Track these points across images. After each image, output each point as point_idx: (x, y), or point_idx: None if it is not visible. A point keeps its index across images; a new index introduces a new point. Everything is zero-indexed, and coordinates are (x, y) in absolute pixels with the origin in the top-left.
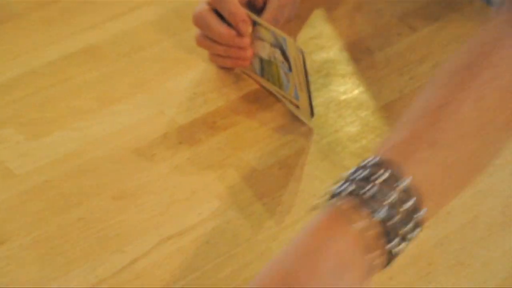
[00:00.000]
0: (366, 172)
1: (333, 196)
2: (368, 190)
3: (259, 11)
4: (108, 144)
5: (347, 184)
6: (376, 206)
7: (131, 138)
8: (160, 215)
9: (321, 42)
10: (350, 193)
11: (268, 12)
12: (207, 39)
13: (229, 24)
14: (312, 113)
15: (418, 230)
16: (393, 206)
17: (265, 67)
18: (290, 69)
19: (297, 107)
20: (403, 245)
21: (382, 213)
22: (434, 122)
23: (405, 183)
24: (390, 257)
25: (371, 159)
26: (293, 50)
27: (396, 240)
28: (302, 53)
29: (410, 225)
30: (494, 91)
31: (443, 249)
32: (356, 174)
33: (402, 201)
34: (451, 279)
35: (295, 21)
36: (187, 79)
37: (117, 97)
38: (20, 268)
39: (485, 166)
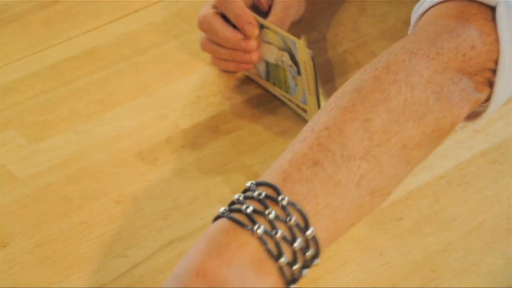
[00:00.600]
0: (246, 194)
1: (215, 219)
2: (247, 208)
3: (264, 14)
4: (110, 147)
5: (231, 206)
6: (255, 222)
7: (133, 141)
8: (162, 220)
9: (325, 46)
10: (230, 212)
11: (274, 15)
12: (212, 43)
13: (234, 28)
14: None
15: (314, 250)
16: (272, 222)
17: (271, 71)
18: (298, 73)
19: (304, 111)
20: (298, 265)
21: (261, 228)
22: (318, 143)
23: (284, 200)
24: (287, 276)
25: (252, 182)
26: (303, 53)
27: (285, 258)
28: (313, 57)
29: (299, 243)
30: (383, 114)
31: (447, 256)
32: (238, 196)
33: (282, 217)
34: (455, 286)
35: (299, 25)
36: (190, 83)
37: (119, 100)
38: (22, 272)
39: (382, 191)
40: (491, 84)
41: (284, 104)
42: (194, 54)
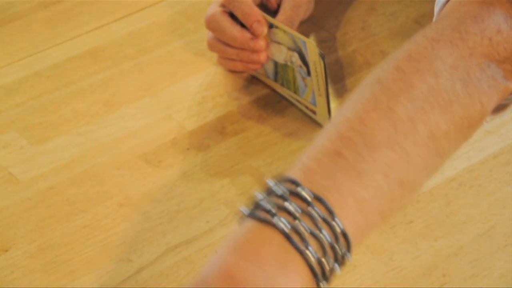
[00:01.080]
0: (266, 191)
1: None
2: (267, 204)
3: (273, 13)
4: (114, 149)
5: (250, 207)
6: (277, 217)
7: (137, 143)
8: (167, 223)
9: (334, 45)
10: (251, 211)
11: (283, 14)
12: (219, 42)
13: (243, 27)
14: (330, 118)
15: (343, 244)
16: (295, 215)
17: (279, 71)
18: (308, 73)
19: (314, 112)
20: (328, 260)
21: (284, 222)
22: (339, 135)
23: (305, 192)
24: (316, 271)
25: (272, 178)
26: (314, 54)
27: (312, 252)
28: (323, 57)
29: (326, 235)
30: (406, 102)
31: (458, 260)
32: (259, 194)
33: (305, 210)
34: None
35: (307, 24)
36: (196, 83)
37: (123, 101)
38: (24, 276)
39: (412, 184)
40: None
41: (292, 104)
42: (200, 53)
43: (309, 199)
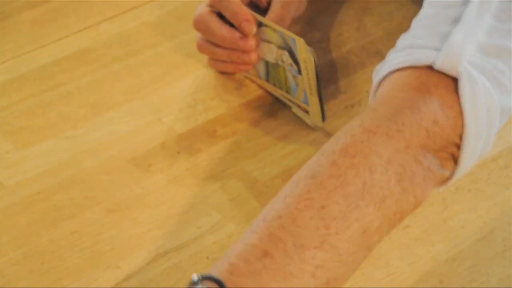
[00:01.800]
0: None
1: None
2: None
3: (262, 12)
4: (102, 153)
5: None
6: None
7: (126, 147)
8: (156, 229)
9: (328, 46)
10: None
11: (273, 12)
12: (209, 43)
13: (232, 27)
14: (323, 117)
15: None
16: None
17: (270, 71)
18: (299, 72)
19: (306, 112)
20: None
21: None
22: (269, 233)
23: None
24: None
25: (199, 275)
26: (304, 51)
27: None
28: (313, 54)
29: None
30: (340, 200)
31: (456, 266)
32: None
33: None
34: None
35: (300, 24)
36: (186, 85)
37: (112, 104)
38: (9, 285)
39: (339, 280)
40: (455, 158)
41: (285, 107)
42: (191, 55)
43: None
